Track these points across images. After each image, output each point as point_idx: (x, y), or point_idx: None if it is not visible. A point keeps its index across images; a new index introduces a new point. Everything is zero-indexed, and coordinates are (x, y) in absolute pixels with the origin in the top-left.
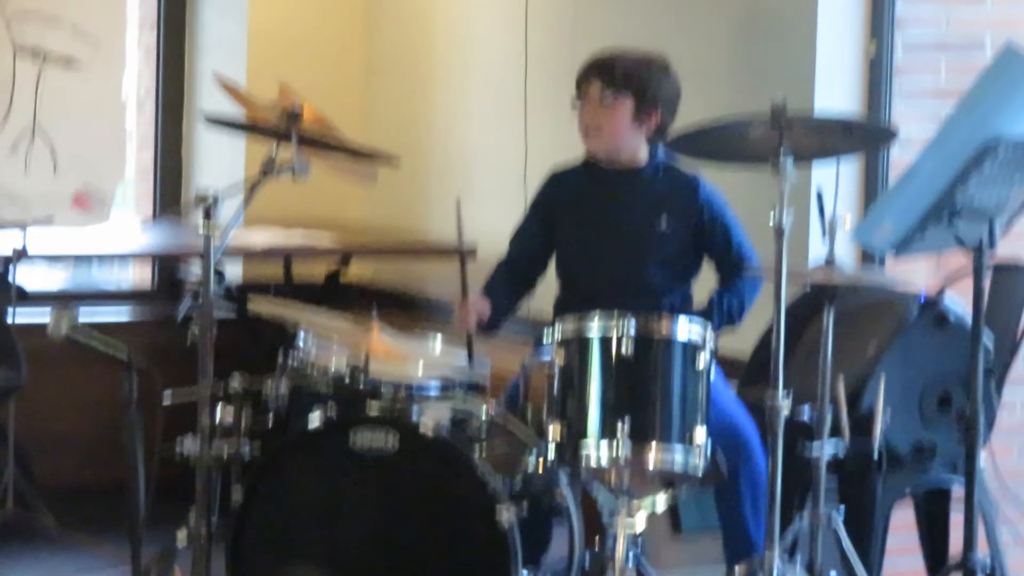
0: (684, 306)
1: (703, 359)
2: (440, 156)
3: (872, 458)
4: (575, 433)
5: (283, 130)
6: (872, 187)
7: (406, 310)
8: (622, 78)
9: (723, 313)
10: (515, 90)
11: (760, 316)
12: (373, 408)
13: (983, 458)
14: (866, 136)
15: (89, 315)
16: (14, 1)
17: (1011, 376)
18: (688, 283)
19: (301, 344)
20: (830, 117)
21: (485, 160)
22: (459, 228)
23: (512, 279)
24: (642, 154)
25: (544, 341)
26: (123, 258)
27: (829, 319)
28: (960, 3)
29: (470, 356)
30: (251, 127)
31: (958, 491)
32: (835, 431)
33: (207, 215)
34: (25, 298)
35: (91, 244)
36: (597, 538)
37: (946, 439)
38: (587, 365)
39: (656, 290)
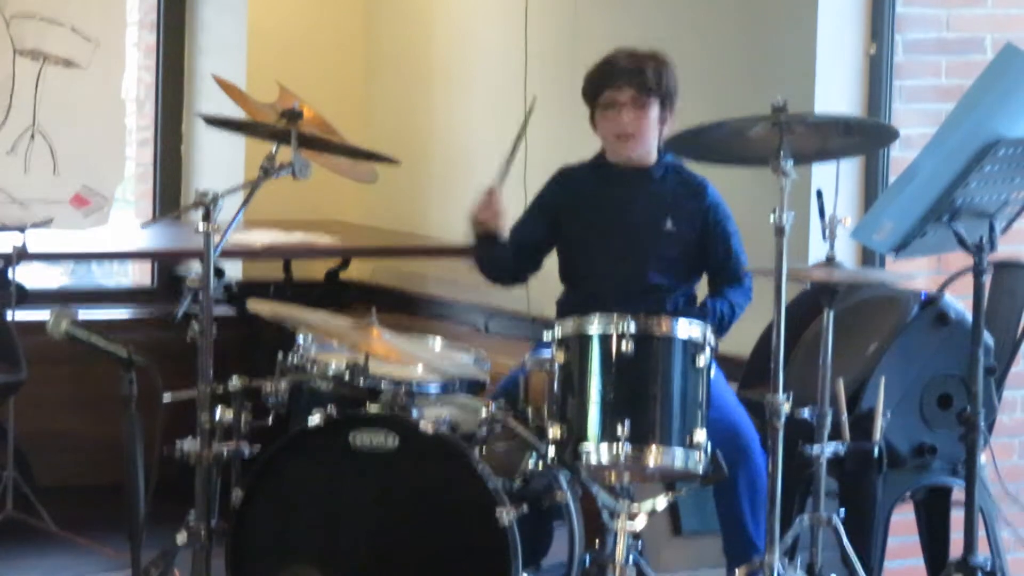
0: (688, 306)
1: (703, 358)
2: (440, 156)
3: (872, 459)
4: (575, 434)
5: (283, 130)
6: (872, 187)
7: (406, 310)
8: (654, 82)
9: (715, 319)
10: (515, 90)
11: (760, 316)
12: (373, 407)
13: (983, 458)
14: (869, 136)
15: (89, 314)
16: (14, 2)
17: (1011, 376)
18: (692, 284)
19: (301, 344)
20: (832, 116)
21: (485, 160)
22: (525, 124)
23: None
24: (653, 154)
25: (545, 340)
26: (123, 257)
27: (829, 319)
28: (960, 3)
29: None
30: (249, 126)
31: (959, 492)
32: (835, 431)
33: (207, 215)
34: (25, 297)
35: (91, 243)
36: (597, 539)
37: (946, 439)
38: (587, 363)
39: (660, 290)
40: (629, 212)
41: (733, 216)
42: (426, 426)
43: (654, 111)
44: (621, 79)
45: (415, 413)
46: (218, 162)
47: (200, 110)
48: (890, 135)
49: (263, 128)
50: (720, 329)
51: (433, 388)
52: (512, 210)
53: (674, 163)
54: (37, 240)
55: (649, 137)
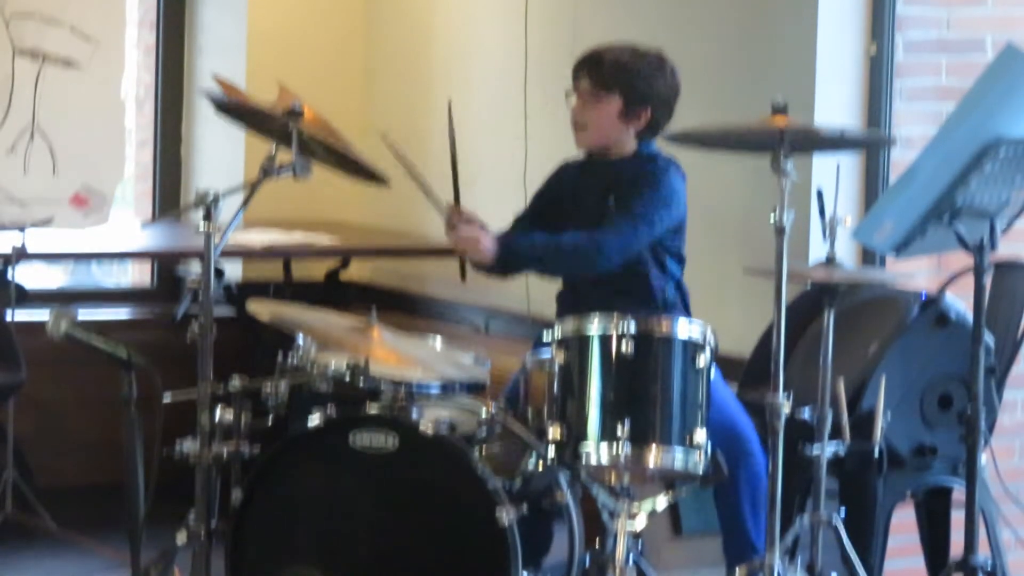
0: (678, 296)
1: (703, 358)
2: (440, 157)
3: (873, 459)
4: (575, 434)
5: (284, 126)
6: (872, 187)
7: (406, 310)
8: (610, 75)
9: (555, 241)
10: (515, 90)
11: (760, 316)
12: (373, 408)
13: (984, 459)
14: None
15: (89, 314)
16: (13, 1)
17: (1011, 376)
18: (672, 270)
19: (301, 344)
20: (828, 129)
21: (485, 160)
22: (451, 130)
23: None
24: (629, 147)
25: (544, 340)
26: (123, 257)
27: (829, 319)
28: (960, 3)
29: (463, 274)
30: (255, 113)
31: (959, 492)
32: (835, 432)
33: (207, 215)
34: (25, 297)
35: (91, 244)
36: (597, 539)
37: (947, 440)
38: (587, 364)
39: (641, 276)
40: (592, 199)
41: (664, 190)
42: (426, 426)
43: (610, 105)
44: (581, 69)
45: (415, 414)
46: (218, 162)
47: (200, 110)
48: (884, 143)
49: (266, 120)
50: (567, 256)
51: (433, 388)
52: (512, 210)
53: (652, 153)
54: (37, 240)
55: (602, 131)
